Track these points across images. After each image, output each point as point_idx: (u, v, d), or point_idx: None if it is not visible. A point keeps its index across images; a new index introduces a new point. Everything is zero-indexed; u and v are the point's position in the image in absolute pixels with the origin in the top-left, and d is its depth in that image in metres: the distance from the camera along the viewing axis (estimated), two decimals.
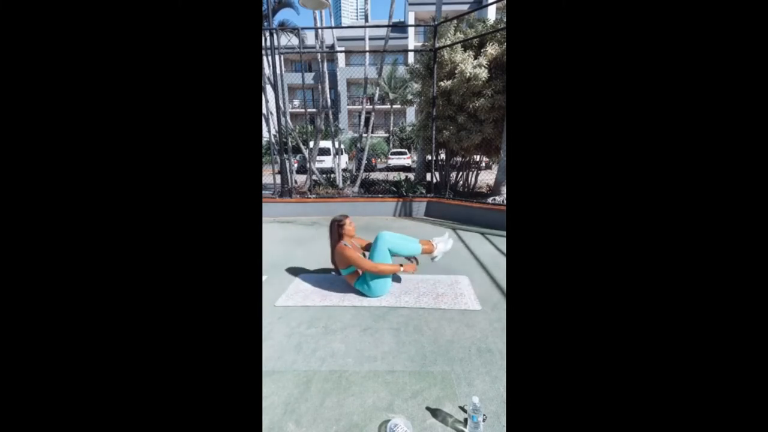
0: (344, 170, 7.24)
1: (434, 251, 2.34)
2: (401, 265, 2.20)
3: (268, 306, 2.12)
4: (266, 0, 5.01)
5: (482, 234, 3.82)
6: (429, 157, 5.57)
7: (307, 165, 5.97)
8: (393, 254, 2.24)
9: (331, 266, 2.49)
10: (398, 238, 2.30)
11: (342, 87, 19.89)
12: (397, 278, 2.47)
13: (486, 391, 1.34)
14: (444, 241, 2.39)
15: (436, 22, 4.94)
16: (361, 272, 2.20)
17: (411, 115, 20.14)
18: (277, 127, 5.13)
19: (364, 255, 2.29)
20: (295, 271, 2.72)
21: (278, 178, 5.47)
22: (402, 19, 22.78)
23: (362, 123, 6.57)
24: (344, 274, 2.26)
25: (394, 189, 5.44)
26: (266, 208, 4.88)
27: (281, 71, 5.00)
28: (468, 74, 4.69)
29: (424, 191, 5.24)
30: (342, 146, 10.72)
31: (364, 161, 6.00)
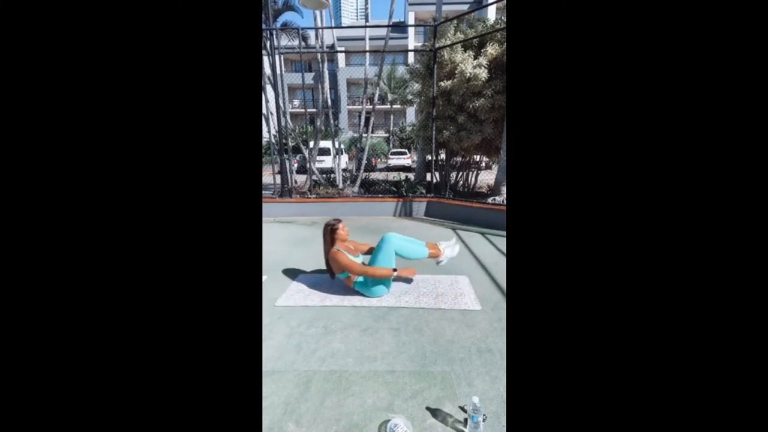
0: (344, 170, 7.24)
1: (441, 256, 2.32)
2: (395, 269, 2.17)
3: (268, 306, 2.12)
4: (268, 3, 5.00)
5: (482, 234, 3.82)
6: (429, 157, 5.57)
7: (307, 165, 5.97)
8: (399, 257, 2.24)
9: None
10: (405, 240, 2.29)
11: (342, 87, 19.90)
12: (402, 279, 2.46)
13: (486, 391, 1.34)
14: (451, 246, 2.37)
15: (436, 22, 4.94)
16: (354, 277, 2.20)
17: (411, 115, 20.14)
18: (277, 127, 5.13)
19: (364, 260, 2.28)
20: (295, 271, 2.72)
21: (278, 178, 5.47)
22: (402, 19, 22.78)
23: (362, 123, 6.57)
24: (341, 278, 2.26)
25: (394, 189, 5.44)
26: (266, 208, 4.88)
27: (281, 71, 5.00)
28: (468, 74, 4.69)
29: (424, 191, 5.23)
30: (342, 146, 10.72)
31: (364, 161, 6.00)
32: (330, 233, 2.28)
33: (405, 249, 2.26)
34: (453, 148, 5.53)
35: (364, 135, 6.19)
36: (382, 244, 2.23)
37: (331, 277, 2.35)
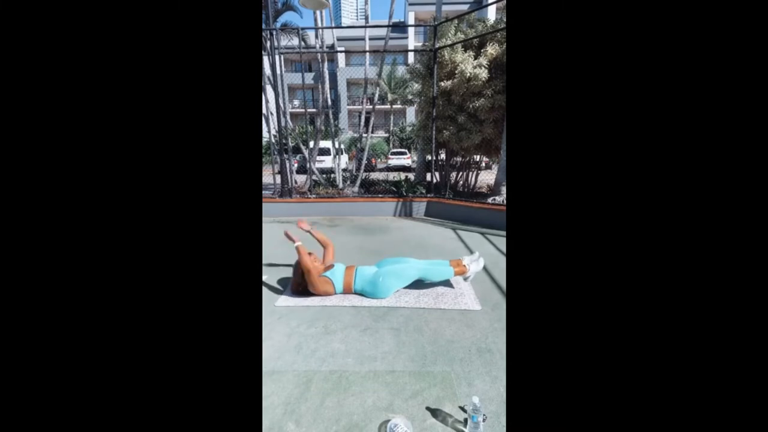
0: (344, 170, 7.24)
1: (467, 272, 2.29)
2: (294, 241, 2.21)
3: (268, 306, 2.12)
4: (269, 3, 5.00)
5: (482, 234, 3.82)
6: (429, 157, 5.57)
7: (307, 165, 5.97)
8: (426, 281, 2.25)
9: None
10: (429, 264, 2.29)
11: (342, 87, 19.89)
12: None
13: (486, 391, 1.34)
14: (476, 260, 2.34)
15: (436, 22, 4.94)
16: (355, 277, 2.20)
17: (411, 115, 20.15)
18: (277, 127, 5.13)
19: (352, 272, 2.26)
20: None
21: (278, 178, 5.47)
22: (402, 19, 22.79)
23: (362, 123, 6.56)
24: (339, 293, 2.24)
25: (394, 189, 5.44)
26: (266, 208, 4.88)
27: (281, 71, 5.00)
28: (468, 74, 4.69)
29: (424, 191, 5.23)
30: (342, 146, 10.71)
31: (364, 161, 6.00)
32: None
33: (431, 273, 2.24)
34: (453, 148, 5.53)
35: (364, 135, 6.19)
36: (398, 263, 2.23)
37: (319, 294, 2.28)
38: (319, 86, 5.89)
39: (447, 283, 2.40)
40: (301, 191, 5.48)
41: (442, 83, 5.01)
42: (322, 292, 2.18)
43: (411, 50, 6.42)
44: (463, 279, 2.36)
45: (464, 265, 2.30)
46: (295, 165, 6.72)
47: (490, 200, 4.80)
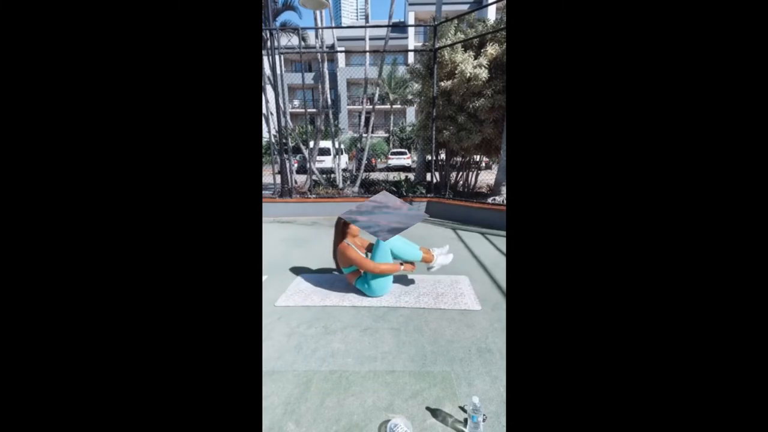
0: (344, 170, 7.24)
1: (433, 262, 2.34)
2: (401, 264, 2.22)
3: (268, 306, 2.12)
4: (269, 2, 5.00)
5: (482, 234, 3.81)
6: (429, 157, 5.57)
7: (307, 165, 5.97)
8: (393, 256, 2.25)
9: (332, 266, 2.50)
10: (401, 241, 2.30)
11: (342, 87, 19.88)
12: (402, 279, 2.46)
13: (486, 391, 1.34)
14: (444, 254, 2.38)
15: (436, 22, 4.94)
16: (362, 272, 2.20)
17: (411, 115, 20.15)
18: (277, 127, 5.13)
19: (367, 255, 2.29)
20: (295, 271, 2.72)
21: (278, 178, 5.47)
22: (402, 19, 22.80)
23: (362, 123, 6.56)
24: (345, 273, 2.26)
25: (394, 189, 5.44)
26: (266, 208, 4.88)
27: (281, 71, 4.99)
28: (468, 74, 4.69)
29: (424, 191, 5.24)
30: (342, 146, 10.72)
31: (364, 161, 6.00)
32: (342, 227, 2.30)
33: (400, 249, 2.27)
34: (453, 148, 5.53)
35: (364, 135, 6.19)
36: (379, 241, 2.24)
37: (339, 272, 2.38)
38: (319, 86, 5.89)
39: (447, 283, 2.40)
40: (301, 191, 5.48)
41: (442, 83, 5.01)
42: (354, 259, 2.17)
43: (411, 50, 6.42)
44: (427, 268, 2.39)
45: (432, 256, 2.35)
46: (295, 165, 6.72)
47: (490, 200, 4.80)
